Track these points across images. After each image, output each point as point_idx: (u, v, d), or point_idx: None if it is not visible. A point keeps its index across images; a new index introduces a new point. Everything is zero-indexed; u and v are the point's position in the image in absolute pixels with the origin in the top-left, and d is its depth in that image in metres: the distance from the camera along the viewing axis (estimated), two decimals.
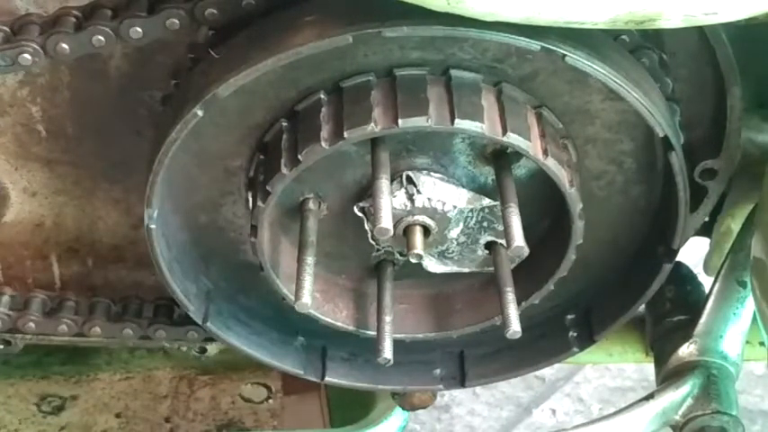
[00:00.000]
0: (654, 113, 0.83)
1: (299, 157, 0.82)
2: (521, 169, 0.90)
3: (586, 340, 1.01)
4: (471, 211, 0.90)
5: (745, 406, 1.60)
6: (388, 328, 0.91)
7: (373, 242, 0.92)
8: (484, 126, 0.80)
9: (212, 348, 1.09)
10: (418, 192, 0.88)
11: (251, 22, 0.84)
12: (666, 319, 1.05)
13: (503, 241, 0.89)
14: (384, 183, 0.82)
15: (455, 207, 0.89)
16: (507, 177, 0.87)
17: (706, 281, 1.06)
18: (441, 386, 1.06)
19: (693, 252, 1.09)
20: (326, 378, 1.02)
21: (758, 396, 1.79)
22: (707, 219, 0.99)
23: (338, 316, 0.97)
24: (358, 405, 1.15)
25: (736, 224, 1.01)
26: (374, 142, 0.83)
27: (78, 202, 1.01)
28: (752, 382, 1.77)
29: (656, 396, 0.97)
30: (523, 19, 0.73)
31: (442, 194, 0.88)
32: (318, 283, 0.93)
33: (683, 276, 1.08)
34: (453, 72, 0.82)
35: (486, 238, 0.91)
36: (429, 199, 0.88)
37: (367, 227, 0.90)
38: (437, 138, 0.87)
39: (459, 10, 0.72)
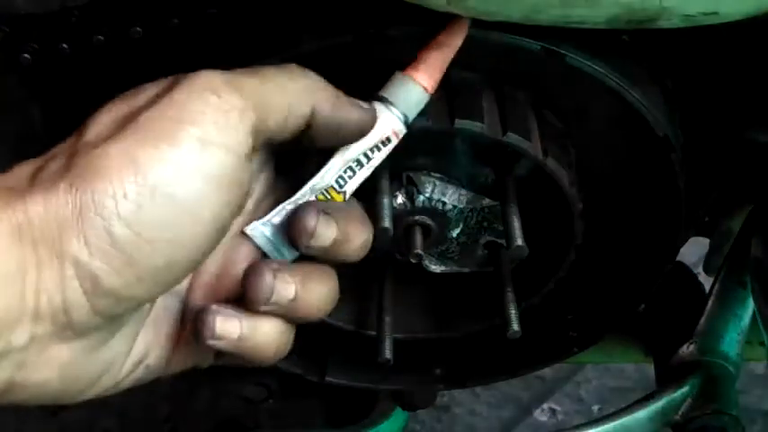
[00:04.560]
0: (654, 113, 0.83)
1: None
2: (521, 169, 0.90)
3: (586, 340, 1.01)
4: (471, 211, 0.90)
5: (745, 406, 1.61)
6: (388, 328, 0.91)
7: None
8: (484, 126, 0.81)
9: None
10: (418, 192, 0.88)
11: None
12: (667, 320, 1.05)
13: (503, 241, 0.89)
14: (384, 183, 0.82)
15: (455, 207, 0.89)
16: (507, 177, 0.87)
17: (706, 281, 1.06)
18: (441, 386, 1.06)
19: (693, 252, 1.09)
20: (326, 378, 1.02)
21: (758, 396, 1.79)
22: (707, 219, 0.99)
23: (338, 316, 0.97)
24: (358, 405, 1.15)
25: (736, 224, 1.01)
26: None
27: None
28: (752, 382, 1.77)
29: (656, 396, 0.97)
30: (523, 19, 0.73)
31: (442, 194, 0.88)
32: None
33: (683, 276, 1.08)
34: (453, 72, 0.82)
35: (486, 238, 0.91)
36: (429, 199, 0.88)
37: None
38: (437, 138, 0.87)
39: (459, 9, 0.72)
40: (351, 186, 0.70)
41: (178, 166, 0.56)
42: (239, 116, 0.58)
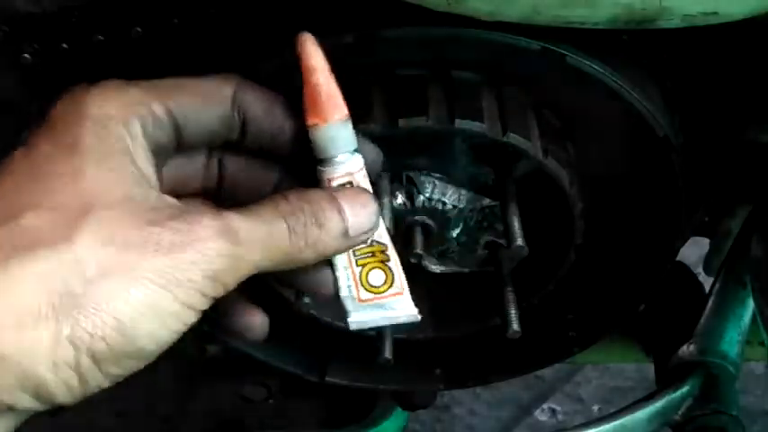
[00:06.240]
0: (654, 113, 0.83)
1: None
2: (521, 169, 0.90)
3: (586, 340, 1.01)
4: (471, 211, 0.90)
5: (746, 406, 1.61)
6: (388, 328, 0.91)
7: None
8: (484, 126, 0.80)
9: (212, 348, 1.09)
10: (418, 192, 0.88)
11: None
12: (667, 320, 1.05)
13: (503, 241, 0.89)
14: (384, 183, 0.82)
15: (455, 207, 0.89)
16: (507, 177, 0.87)
17: (706, 281, 1.06)
18: (441, 386, 1.06)
19: (693, 252, 1.09)
20: (326, 378, 1.02)
21: (758, 396, 1.79)
22: (707, 219, 0.99)
23: (338, 315, 0.97)
24: (358, 405, 1.15)
25: (736, 224, 1.01)
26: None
27: None
28: (752, 382, 1.77)
29: (656, 396, 0.98)
30: (523, 19, 0.73)
31: (442, 194, 0.88)
32: None
33: (683, 276, 1.08)
34: (453, 72, 0.82)
35: (486, 238, 0.91)
36: (429, 199, 0.88)
37: None
38: (437, 138, 0.87)
39: (459, 10, 0.72)
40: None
41: (159, 325, 0.59)
42: (213, 287, 0.61)
